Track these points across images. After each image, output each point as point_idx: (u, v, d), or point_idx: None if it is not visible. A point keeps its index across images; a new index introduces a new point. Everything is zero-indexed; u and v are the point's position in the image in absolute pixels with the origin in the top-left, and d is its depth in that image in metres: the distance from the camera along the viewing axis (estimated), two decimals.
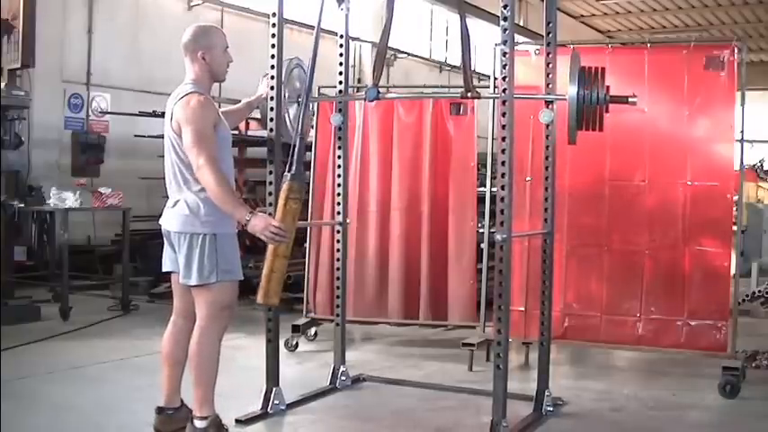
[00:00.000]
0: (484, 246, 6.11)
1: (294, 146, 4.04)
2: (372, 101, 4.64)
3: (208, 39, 4.01)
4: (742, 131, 5.39)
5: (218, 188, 3.70)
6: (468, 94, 4.52)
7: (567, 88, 4.37)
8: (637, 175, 5.61)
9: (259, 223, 3.69)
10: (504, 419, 4.06)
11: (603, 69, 4.46)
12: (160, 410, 4.04)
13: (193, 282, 3.86)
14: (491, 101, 5.84)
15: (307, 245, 6.61)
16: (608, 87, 4.43)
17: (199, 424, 3.88)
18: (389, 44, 4.72)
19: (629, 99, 4.49)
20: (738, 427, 4.71)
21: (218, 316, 3.91)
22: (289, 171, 3.95)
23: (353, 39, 13.96)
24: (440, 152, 6.47)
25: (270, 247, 3.80)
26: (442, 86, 6.89)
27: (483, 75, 7.04)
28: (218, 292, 3.89)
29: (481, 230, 6.31)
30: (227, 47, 4.07)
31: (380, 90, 4.62)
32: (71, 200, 7.68)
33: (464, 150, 6.40)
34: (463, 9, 4.50)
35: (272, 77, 4.51)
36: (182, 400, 4.06)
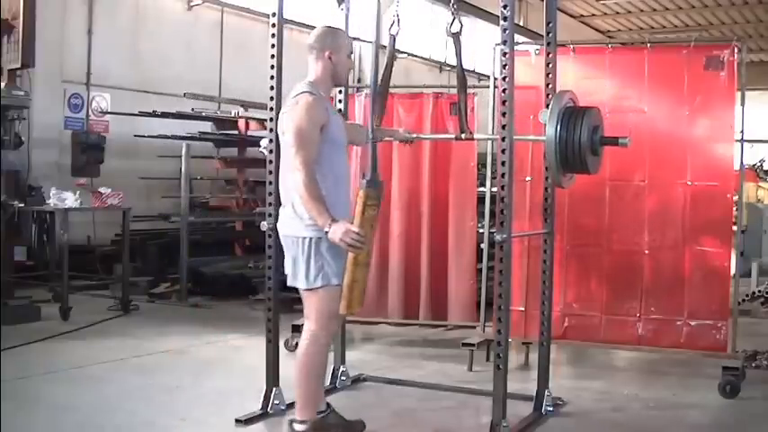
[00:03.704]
0: (484, 246, 6.12)
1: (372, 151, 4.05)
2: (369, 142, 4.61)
3: (336, 40, 4.01)
4: (742, 131, 5.39)
5: (306, 192, 3.66)
6: (463, 136, 4.56)
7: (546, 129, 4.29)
8: (637, 175, 5.61)
9: (339, 230, 3.64)
10: (504, 419, 4.06)
11: (595, 108, 4.42)
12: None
13: (300, 285, 3.87)
14: (491, 99, 5.84)
15: None
16: (597, 128, 4.35)
17: (298, 427, 3.90)
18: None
19: (620, 140, 4.40)
20: (738, 427, 4.71)
21: (328, 323, 3.91)
22: (363, 177, 3.94)
23: (353, 39, 13.94)
24: (440, 152, 6.47)
25: (350, 257, 3.76)
26: (442, 86, 6.85)
27: (483, 75, 7.01)
28: (326, 298, 3.86)
29: (481, 230, 6.31)
30: (352, 52, 4.09)
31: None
32: (71, 200, 7.68)
33: (464, 150, 6.39)
34: (460, 52, 4.53)
35: (272, 78, 4.52)
36: (327, 404, 4.09)
